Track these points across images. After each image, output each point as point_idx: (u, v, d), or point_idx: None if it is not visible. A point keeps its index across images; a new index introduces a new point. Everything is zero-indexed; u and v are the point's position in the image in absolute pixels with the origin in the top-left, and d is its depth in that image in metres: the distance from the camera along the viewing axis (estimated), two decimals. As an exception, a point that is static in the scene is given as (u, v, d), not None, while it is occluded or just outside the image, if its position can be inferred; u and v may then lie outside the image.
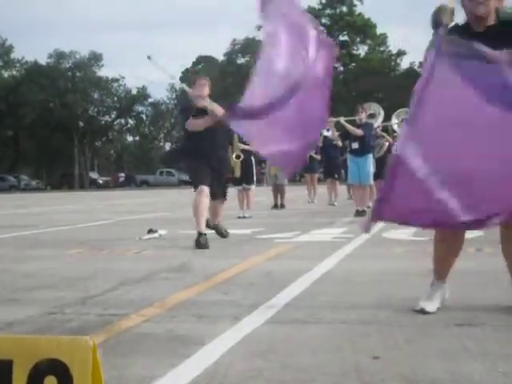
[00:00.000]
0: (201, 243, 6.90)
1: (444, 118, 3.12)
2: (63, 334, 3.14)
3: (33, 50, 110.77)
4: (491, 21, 3.35)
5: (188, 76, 62.42)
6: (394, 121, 14.23)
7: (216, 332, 3.13)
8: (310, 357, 2.71)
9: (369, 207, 11.34)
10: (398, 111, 14.17)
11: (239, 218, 11.86)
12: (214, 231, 7.66)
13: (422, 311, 3.46)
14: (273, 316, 3.49)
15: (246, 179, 11.91)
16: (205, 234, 7.05)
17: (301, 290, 4.23)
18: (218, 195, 7.47)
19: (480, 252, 6.08)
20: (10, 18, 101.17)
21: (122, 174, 67.43)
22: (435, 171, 3.08)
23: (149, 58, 7.22)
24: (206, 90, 7.29)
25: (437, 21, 3.23)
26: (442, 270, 3.63)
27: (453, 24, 3.41)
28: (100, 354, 1.84)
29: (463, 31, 3.37)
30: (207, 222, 7.54)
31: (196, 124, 7.15)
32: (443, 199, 3.08)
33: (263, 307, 3.71)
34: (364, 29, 62.32)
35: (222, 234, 7.75)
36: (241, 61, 69.76)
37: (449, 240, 3.56)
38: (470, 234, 7.61)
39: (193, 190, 7.33)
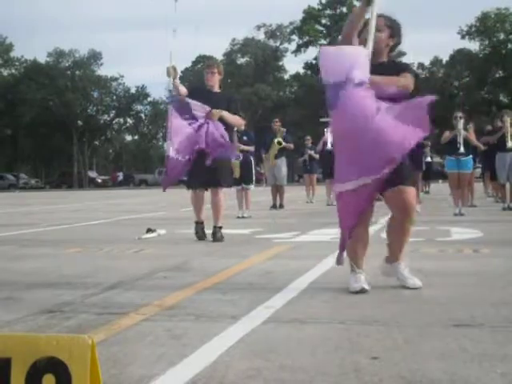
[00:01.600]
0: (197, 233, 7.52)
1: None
2: (62, 332, 3.14)
3: (32, 48, 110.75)
4: (383, 57, 4.21)
5: (188, 75, 62.45)
6: None
7: (215, 331, 3.13)
8: (308, 357, 2.72)
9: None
10: None
11: (238, 217, 11.87)
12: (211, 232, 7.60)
13: (363, 290, 4.07)
14: (272, 316, 3.50)
15: (245, 179, 11.95)
16: (201, 223, 7.53)
17: (299, 290, 4.23)
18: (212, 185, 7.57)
19: (477, 253, 6.09)
20: (10, 16, 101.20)
21: (121, 173, 67.43)
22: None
23: None
24: (214, 80, 7.76)
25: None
26: (357, 260, 4.28)
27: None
28: (99, 353, 1.84)
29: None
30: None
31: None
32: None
33: (262, 307, 3.71)
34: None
35: (216, 237, 7.46)
36: (240, 61, 69.76)
37: (356, 236, 4.22)
38: (466, 236, 7.66)
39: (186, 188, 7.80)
